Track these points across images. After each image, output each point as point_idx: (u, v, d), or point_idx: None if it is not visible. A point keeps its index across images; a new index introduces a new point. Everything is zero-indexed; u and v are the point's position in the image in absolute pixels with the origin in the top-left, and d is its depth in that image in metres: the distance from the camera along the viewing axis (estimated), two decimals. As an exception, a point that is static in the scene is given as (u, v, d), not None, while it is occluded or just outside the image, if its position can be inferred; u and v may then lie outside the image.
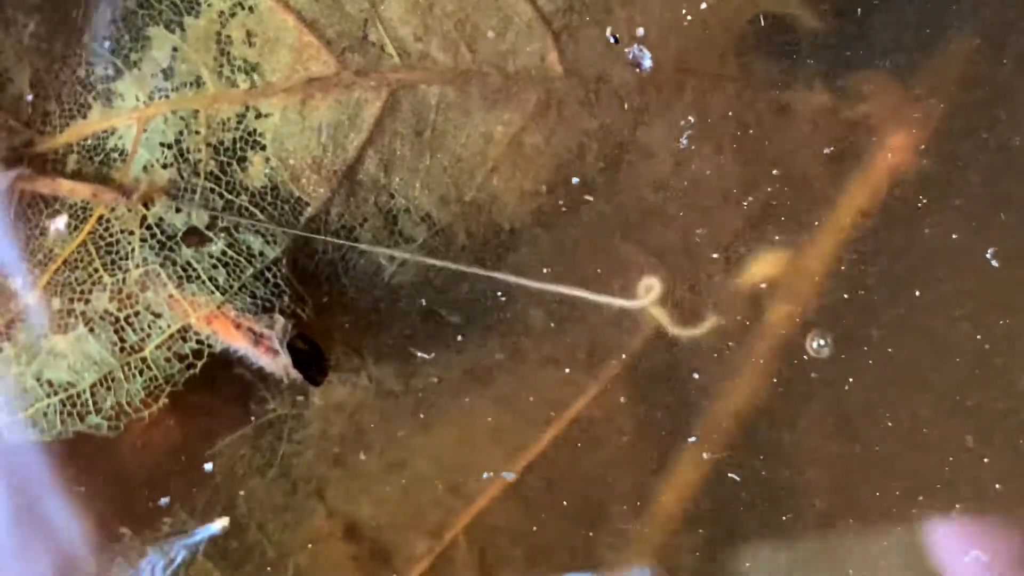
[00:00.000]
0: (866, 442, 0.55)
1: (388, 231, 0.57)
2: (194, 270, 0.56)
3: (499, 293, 0.57)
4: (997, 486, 0.54)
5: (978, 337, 0.54)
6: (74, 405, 0.57)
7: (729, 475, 0.56)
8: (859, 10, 0.56)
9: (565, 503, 0.57)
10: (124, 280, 0.57)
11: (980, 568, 0.53)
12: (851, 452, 0.55)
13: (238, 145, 0.57)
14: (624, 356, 0.57)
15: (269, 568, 0.59)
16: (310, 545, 0.58)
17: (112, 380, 0.57)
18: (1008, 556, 0.53)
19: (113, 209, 0.57)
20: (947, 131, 0.55)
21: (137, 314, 0.56)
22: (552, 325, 0.57)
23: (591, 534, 0.57)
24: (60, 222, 0.57)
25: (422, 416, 0.58)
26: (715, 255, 0.56)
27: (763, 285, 0.56)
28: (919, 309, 0.55)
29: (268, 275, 0.56)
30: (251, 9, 0.56)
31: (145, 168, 0.57)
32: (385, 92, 0.56)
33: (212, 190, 0.57)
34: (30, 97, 0.58)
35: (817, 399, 0.55)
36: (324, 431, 0.59)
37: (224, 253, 0.56)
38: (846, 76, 0.55)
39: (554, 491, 0.57)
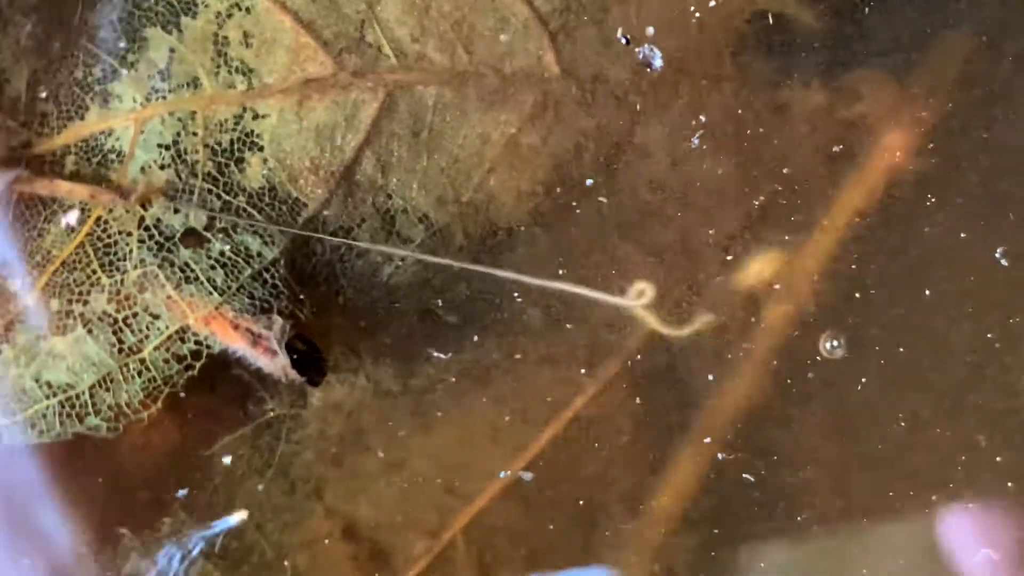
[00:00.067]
0: (868, 442, 0.55)
1: (386, 232, 0.57)
2: (192, 271, 0.56)
3: (497, 293, 0.57)
4: (1009, 484, 0.54)
5: (988, 335, 0.54)
6: (73, 407, 0.57)
7: (728, 475, 0.56)
8: (857, 10, 0.56)
9: (564, 503, 0.57)
10: (122, 281, 0.57)
11: (991, 567, 0.53)
12: (852, 451, 0.55)
13: (235, 146, 0.57)
14: (623, 356, 0.57)
15: (268, 568, 0.59)
16: (309, 545, 0.58)
17: (111, 381, 0.57)
18: (1020, 554, 0.53)
19: (111, 210, 0.57)
20: (945, 131, 0.55)
21: (135, 315, 0.56)
22: (550, 325, 0.57)
23: (590, 534, 0.57)
24: (71, 216, 0.57)
25: (420, 416, 0.58)
26: (713, 255, 0.56)
27: (761, 285, 0.56)
28: (920, 309, 0.55)
29: (266, 276, 0.56)
30: (248, 10, 0.56)
31: (143, 169, 0.57)
32: (382, 93, 0.56)
33: (210, 191, 0.57)
34: (27, 98, 0.58)
35: (817, 399, 0.55)
36: (322, 431, 0.59)
37: (222, 254, 0.56)
38: (844, 76, 0.55)
39: (553, 491, 0.57)
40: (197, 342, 0.56)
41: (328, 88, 0.56)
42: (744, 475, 0.56)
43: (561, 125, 0.56)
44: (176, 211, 0.56)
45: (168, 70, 0.57)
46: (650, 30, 0.55)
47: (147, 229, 0.56)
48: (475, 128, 0.56)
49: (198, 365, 0.57)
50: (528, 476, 0.57)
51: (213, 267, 0.56)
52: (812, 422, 0.55)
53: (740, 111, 0.55)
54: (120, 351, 0.57)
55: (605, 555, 0.57)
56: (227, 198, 0.57)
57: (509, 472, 0.57)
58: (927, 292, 0.55)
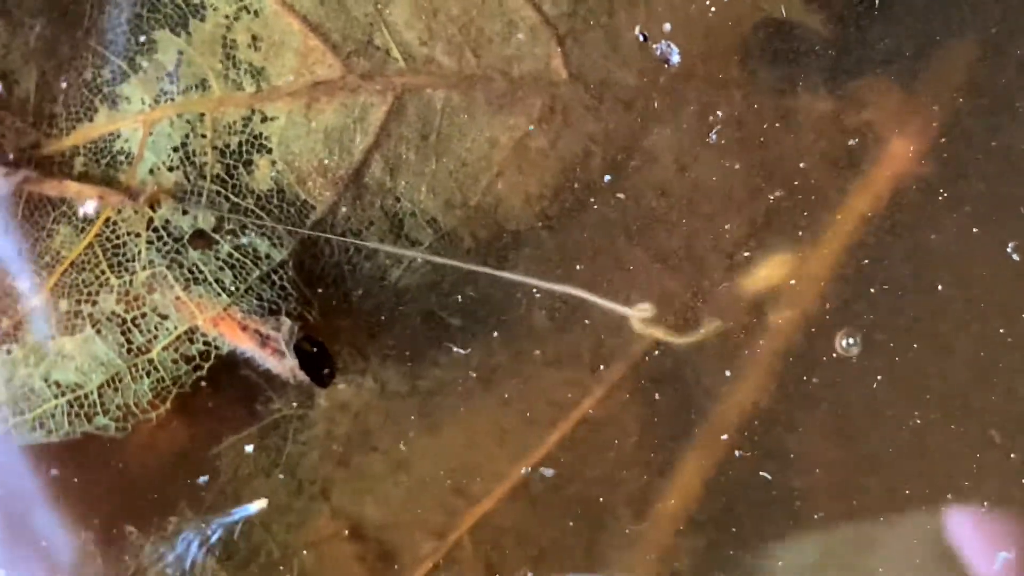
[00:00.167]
0: (876, 444, 0.55)
1: (394, 235, 0.57)
2: (201, 272, 0.56)
3: (504, 296, 0.58)
4: (1020, 484, 0.54)
5: (997, 337, 0.55)
6: (82, 406, 0.57)
7: (735, 477, 0.56)
8: (862, 17, 0.56)
9: (570, 504, 0.57)
10: (131, 282, 0.57)
11: (1009, 569, 0.53)
12: (860, 454, 0.55)
13: (244, 148, 0.57)
14: (629, 358, 0.57)
15: (274, 568, 0.59)
16: (315, 545, 0.59)
17: (119, 381, 0.57)
18: None
19: (120, 211, 0.57)
20: (950, 137, 0.55)
21: (144, 316, 0.57)
22: (557, 327, 0.57)
23: (596, 535, 0.57)
24: (89, 207, 0.57)
25: (427, 417, 0.58)
26: (720, 260, 0.56)
27: (768, 290, 0.56)
28: (928, 312, 0.55)
29: (275, 277, 0.57)
30: (256, 13, 0.57)
31: (151, 171, 0.57)
32: (391, 96, 0.57)
33: (218, 193, 0.57)
34: (36, 99, 0.58)
35: (824, 402, 0.56)
36: (329, 432, 0.59)
37: (231, 255, 0.56)
38: (849, 82, 0.55)
39: (559, 492, 0.57)
40: (206, 343, 0.57)
41: (337, 91, 0.56)
42: (751, 477, 0.56)
43: (569, 129, 0.56)
44: (185, 213, 0.57)
45: (177, 72, 0.57)
46: (667, 26, 0.55)
47: (156, 230, 0.57)
48: (483, 132, 0.57)
49: (206, 366, 0.57)
50: (549, 472, 0.57)
51: (222, 268, 0.56)
52: (819, 425, 0.56)
53: (747, 117, 0.56)
54: (129, 351, 0.57)
55: (612, 556, 0.57)
56: (236, 200, 0.57)
57: (530, 469, 0.57)
58: (935, 297, 0.55)
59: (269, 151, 0.57)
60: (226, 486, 0.59)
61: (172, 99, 0.57)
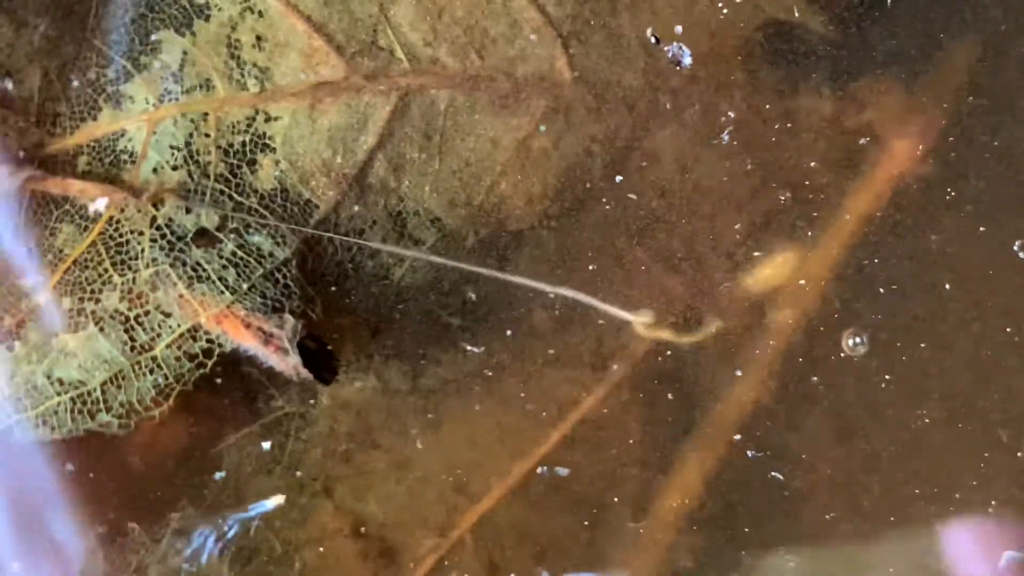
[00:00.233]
0: (877, 444, 0.55)
1: (397, 234, 0.58)
2: (204, 270, 0.56)
3: (506, 295, 0.58)
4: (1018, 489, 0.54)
5: (999, 338, 0.55)
6: (84, 403, 0.57)
7: (736, 476, 0.56)
8: (864, 18, 0.56)
9: (571, 502, 0.57)
10: (134, 280, 0.57)
11: (1016, 569, 0.53)
12: (860, 454, 0.55)
13: (248, 148, 0.57)
14: (630, 357, 0.57)
15: (276, 565, 0.59)
16: (318, 542, 0.59)
17: (122, 379, 0.57)
18: None
19: (123, 210, 0.57)
20: (951, 137, 0.55)
21: (147, 313, 0.57)
22: (559, 327, 0.57)
23: (597, 533, 0.57)
24: (100, 204, 0.57)
25: (429, 415, 0.58)
26: (721, 260, 0.56)
27: (769, 290, 0.56)
28: (929, 314, 0.55)
29: (278, 276, 0.57)
30: (260, 13, 0.57)
31: (155, 170, 0.57)
32: (394, 96, 0.57)
33: (222, 192, 0.57)
34: (40, 99, 0.58)
35: (824, 402, 0.56)
36: (332, 429, 0.59)
37: (234, 254, 0.56)
38: (851, 83, 0.56)
39: (560, 491, 0.57)
40: (209, 340, 0.57)
41: (340, 91, 0.57)
42: (752, 476, 0.56)
43: (572, 130, 0.57)
44: (188, 211, 0.57)
45: (181, 72, 0.57)
46: (678, 28, 0.55)
47: (159, 228, 0.57)
48: (487, 132, 0.57)
49: (209, 363, 0.57)
50: (564, 471, 0.57)
51: (225, 266, 0.56)
52: (820, 424, 0.56)
53: (749, 118, 0.56)
54: (132, 349, 0.57)
55: (612, 554, 0.57)
56: (239, 199, 0.57)
57: (546, 469, 0.57)
58: (937, 296, 0.55)
59: (273, 150, 0.57)
60: (228, 484, 0.59)
61: (176, 98, 0.57)
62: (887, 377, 0.55)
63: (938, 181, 0.55)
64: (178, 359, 0.57)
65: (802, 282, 0.56)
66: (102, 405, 0.57)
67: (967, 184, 0.55)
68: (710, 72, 0.56)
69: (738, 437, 0.56)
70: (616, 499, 0.57)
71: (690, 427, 0.57)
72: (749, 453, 0.56)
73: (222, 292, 0.56)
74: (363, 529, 0.59)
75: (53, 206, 0.58)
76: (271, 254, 0.57)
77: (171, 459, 0.60)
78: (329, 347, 0.58)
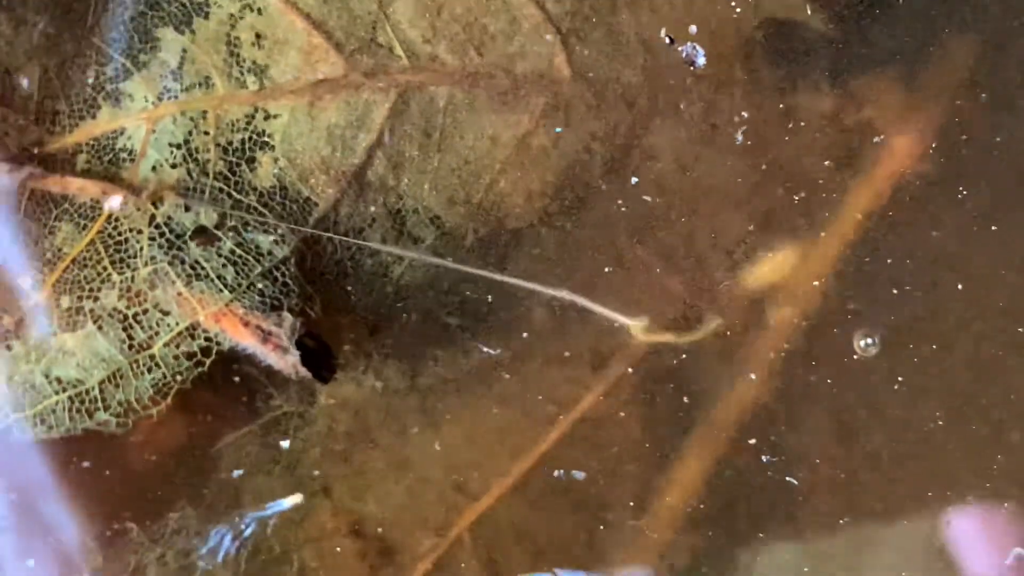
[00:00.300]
0: (876, 443, 0.55)
1: (396, 232, 0.57)
2: (203, 268, 0.56)
3: (505, 293, 0.58)
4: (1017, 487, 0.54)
5: (999, 337, 0.55)
6: (83, 402, 0.57)
7: (735, 475, 0.56)
8: (864, 15, 0.56)
9: (570, 501, 0.57)
10: (133, 278, 0.57)
11: (1016, 567, 0.53)
12: (860, 452, 0.55)
13: (247, 145, 0.57)
14: (630, 356, 0.57)
15: (275, 564, 0.59)
16: (316, 542, 0.59)
17: (121, 377, 0.57)
18: None
19: (122, 208, 0.57)
20: (952, 134, 0.55)
21: (146, 312, 0.57)
22: (558, 325, 0.57)
23: (596, 532, 0.57)
24: (115, 201, 0.57)
25: (428, 414, 0.58)
26: (721, 257, 0.56)
27: (769, 288, 0.56)
28: (928, 312, 0.55)
29: (276, 274, 0.57)
30: (260, 11, 0.57)
31: (154, 168, 0.57)
32: (393, 94, 0.57)
33: (221, 190, 0.57)
34: (39, 97, 0.58)
35: (824, 400, 0.56)
36: (330, 428, 0.59)
37: (233, 252, 0.56)
38: (851, 80, 0.56)
39: (559, 490, 0.57)
40: (207, 339, 0.56)
41: (340, 88, 0.57)
42: (752, 475, 0.56)
43: (572, 127, 0.57)
44: (187, 209, 0.57)
45: (180, 70, 0.57)
46: (692, 28, 0.55)
47: (158, 227, 0.57)
48: (486, 129, 0.57)
49: (208, 362, 0.57)
50: (580, 475, 0.57)
51: (224, 265, 0.56)
52: (820, 424, 0.56)
53: (749, 115, 0.56)
54: (130, 347, 0.57)
55: (611, 553, 0.57)
56: (238, 197, 0.57)
57: (566, 472, 0.57)
58: (937, 294, 0.55)
59: (272, 148, 0.57)
60: (226, 484, 0.59)
61: (175, 96, 0.57)
62: (888, 376, 0.55)
63: (938, 179, 0.55)
64: (176, 357, 0.57)
65: (802, 280, 0.56)
66: (100, 404, 0.57)
67: (967, 182, 0.55)
68: (710, 70, 0.56)
69: (738, 436, 0.56)
70: (616, 498, 0.57)
71: (690, 426, 0.57)
72: (749, 452, 0.56)
73: (221, 290, 0.56)
74: (362, 529, 0.58)
75: (52, 204, 0.58)
76: (270, 252, 0.57)
77: (170, 458, 0.59)
78: (328, 346, 0.58)
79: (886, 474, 0.55)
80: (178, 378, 0.57)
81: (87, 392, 0.57)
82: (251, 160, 0.57)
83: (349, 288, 0.58)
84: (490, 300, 0.58)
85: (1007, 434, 0.54)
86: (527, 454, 0.57)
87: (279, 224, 0.57)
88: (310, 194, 0.57)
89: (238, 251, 0.56)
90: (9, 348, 0.58)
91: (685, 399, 0.57)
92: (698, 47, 0.55)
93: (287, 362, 0.56)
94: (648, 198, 0.57)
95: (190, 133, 0.57)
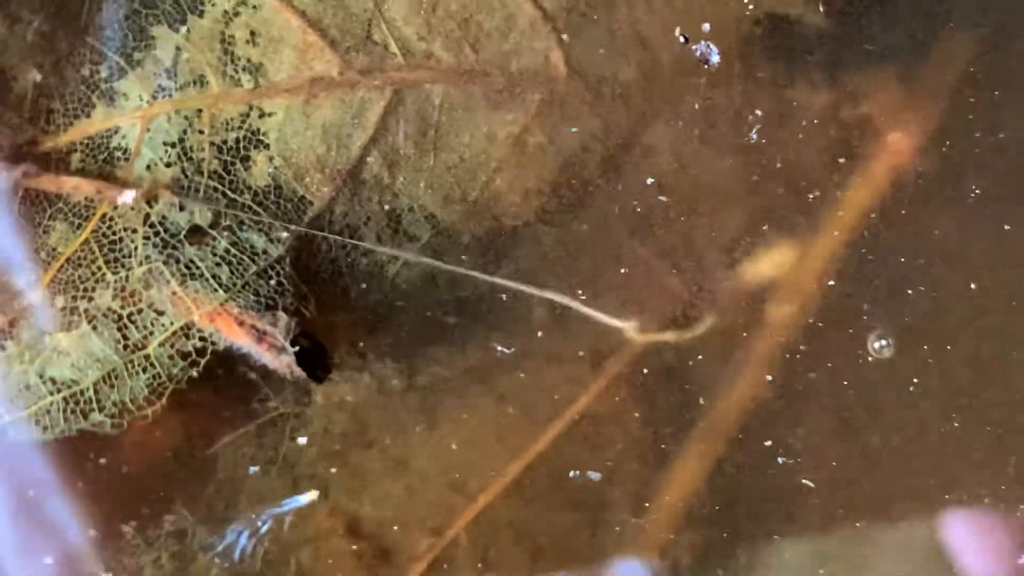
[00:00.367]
0: (875, 442, 0.55)
1: (392, 230, 0.57)
2: (197, 268, 0.56)
3: (502, 292, 0.58)
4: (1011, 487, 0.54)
5: (998, 335, 0.54)
6: (77, 403, 0.57)
7: (734, 473, 0.56)
8: (862, 10, 0.56)
9: (568, 500, 0.57)
10: (127, 278, 0.57)
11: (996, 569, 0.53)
12: (858, 452, 0.55)
13: (242, 144, 0.57)
14: (628, 354, 0.57)
15: (272, 565, 0.59)
16: (313, 542, 0.58)
17: (115, 378, 0.57)
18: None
19: (116, 207, 0.57)
20: (949, 130, 0.55)
21: (140, 312, 0.56)
22: (555, 323, 0.57)
23: (593, 532, 0.57)
24: (128, 196, 0.57)
25: (425, 414, 0.58)
26: (719, 255, 0.56)
27: (767, 285, 0.56)
28: (927, 306, 0.55)
29: (271, 273, 0.57)
30: (255, 8, 0.57)
31: (149, 166, 0.57)
32: (389, 91, 0.57)
33: (215, 189, 0.57)
34: (34, 95, 0.58)
35: (823, 399, 0.56)
36: (327, 429, 0.59)
37: (227, 251, 0.56)
38: (849, 76, 0.56)
39: (556, 489, 0.57)
40: (202, 339, 0.56)
41: (335, 86, 0.56)
42: (751, 473, 0.56)
43: (568, 124, 0.57)
44: (182, 208, 0.56)
45: (175, 68, 0.57)
46: (706, 26, 0.55)
47: (152, 226, 0.56)
48: (482, 127, 0.57)
49: (203, 362, 0.56)
50: (596, 476, 0.57)
51: (218, 264, 0.56)
52: (820, 421, 0.55)
53: (746, 111, 0.56)
54: (125, 347, 0.57)
55: (610, 553, 0.57)
56: (233, 196, 0.57)
57: (583, 473, 0.57)
58: (936, 291, 0.55)
59: (267, 147, 0.57)
60: (223, 485, 0.59)
61: (170, 95, 0.57)
62: (890, 375, 0.55)
63: (936, 175, 0.55)
64: (171, 357, 0.56)
65: (802, 278, 0.56)
66: (95, 404, 0.57)
67: (966, 177, 0.55)
68: (708, 67, 0.56)
69: (737, 433, 0.56)
70: (616, 497, 0.57)
71: (689, 424, 0.56)
72: (749, 449, 0.56)
73: (215, 290, 0.56)
74: (359, 529, 0.58)
75: (46, 203, 0.58)
76: (265, 251, 0.56)
77: (165, 459, 0.59)
78: (323, 345, 0.58)
79: (887, 473, 0.55)
80: (173, 378, 0.57)
81: (82, 393, 0.57)
82: (246, 159, 0.57)
83: (345, 287, 0.58)
84: (489, 299, 0.58)
85: (1010, 434, 0.54)
86: (525, 453, 0.57)
87: (274, 223, 0.57)
88: (305, 193, 0.57)
89: (233, 250, 0.56)
90: (3, 348, 0.57)
91: (685, 397, 0.57)
92: (712, 45, 0.55)
93: (282, 362, 0.56)
94: (645, 195, 0.56)
95: (185, 132, 0.57)
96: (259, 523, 0.58)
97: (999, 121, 0.55)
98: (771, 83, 0.56)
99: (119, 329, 0.57)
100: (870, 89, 0.55)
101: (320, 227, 0.57)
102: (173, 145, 0.57)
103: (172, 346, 0.56)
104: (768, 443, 0.56)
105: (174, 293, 0.56)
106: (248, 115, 0.57)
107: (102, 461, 0.59)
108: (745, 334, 0.56)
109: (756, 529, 0.56)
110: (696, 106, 0.56)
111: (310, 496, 0.58)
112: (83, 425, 0.57)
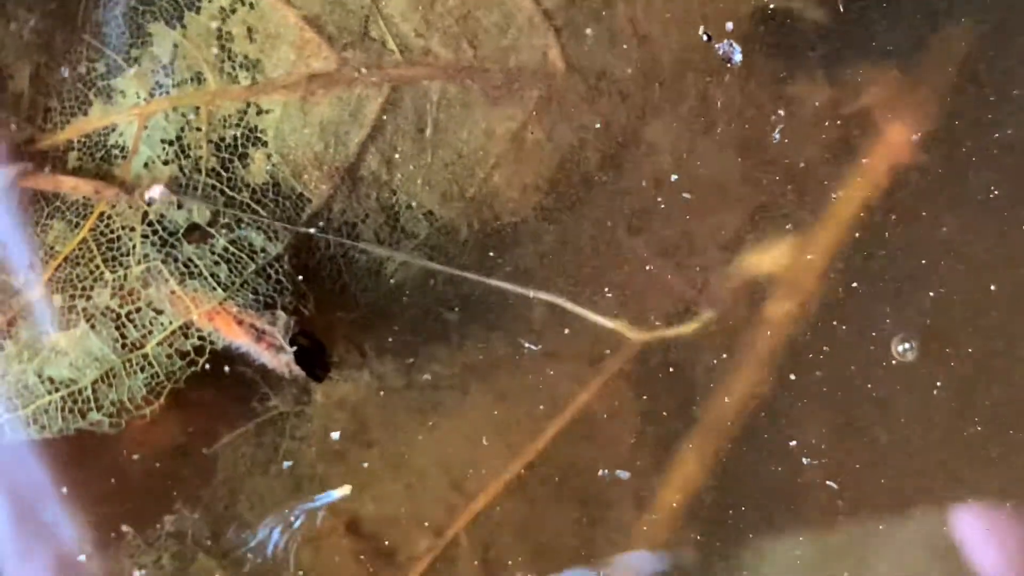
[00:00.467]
0: (876, 438, 0.55)
1: (390, 227, 0.57)
2: (196, 266, 0.56)
3: (501, 290, 0.57)
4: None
5: (1003, 322, 0.54)
6: (75, 402, 0.57)
7: (734, 470, 0.56)
8: (861, 3, 0.56)
9: (568, 499, 0.57)
10: (125, 277, 0.57)
11: (1004, 565, 0.53)
12: (860, 448, 0.55)
13: (239, 141, 0.57)
14: (627, 351, 0.57)
15: (271, 564, 0.59)
16: (313, 541, 0.58)
17: (114, 377, 0.57)
18: None
19: (114, 205, 0.57)
20: (949, 124, 0.55)
21: (139, 311, 0.56)
22: (554, 321, 0.57)
23: (593, 530, 0.57)
24: (155, 191, 0.57)
25: (425, 412, 0.58)
26: (718, 251, 0.56)
27: (765, 280, 0.56)
28: (927, 303, 0.55)
29: (270, 271, 0.56)
30: (252, 5, 0.56)
31: (146, 164, 0.57)
32: (386, 88, 0.56)
33: (214, 187, 0.57)
34: (31, 94, 0.58)
35: (824, 395, 0.55)
36: (326, 427, 0.59)
37: (226, 249, 0.56)
38: (848, 70, 0.55)
39: (556, 487, 0.57)
40: (201, 338, 0.56)
41: (332, 83, 0.56)
42: (751, 470, 0.56)
43: (566, 121, 0.56)
44: (180, 206, 0.56)
45: (172, 65, 0.57)
46: (729, 25, 0.55)
47: (151, 224, 0.56)
48: (480, 123, 0.56)
49: (201, 361, 0.57)
50: (625, 475, 0.57)
51: (217, 263, 0.56)
52: (821, 418, 0.55)
53: (745, 105, 0.55)
54: (123, 346, 0.57)
55: (610, 551, 0.57)
56: (231, 194, 0.57)
57: (611, 472, 0.57)
58: (935, 287, 0.55)
59: (264, 144, 0.57)
60: (221, 485, 0.59)
61: (167, 92, 0.57)
62: (892, 371, 0.55)
63: (936, 169, 0.55)
64: (169, 357, 0.57)
65: (802, 274, 0.56)
66: (93, 404, 0.57)
67: (966, 172, 0.55)
68: (706, 60, 0.56)
69: (736, 431, 0.56)
70: (613, 495, 0.57)
71: (689, 421, 0.56)
72: (749, 446, 0.56)
73: (214, 288, 0.56)
74: (359, 528, 0.58)
75: (44, 202, 0.58)
76: (263, 250, 0.56)
77: (164, 459, 0.59)
78: (322, 344, 0.58)
79: (890, 470, 0.55)
80: (171, 377, 0.57)
81: (80, 392, 0.57)
82: (244, 156, 0.57)
83: (343, 285, 0.58)
84: (486, 296, 0.58)
85: (1013, 431, 0.54)
86: (526, 452, 0.57)
87: (272, 221, 0.56)
88: (303, 190, 0.57)
89: (231, 248, 0.56)
90: (1, 348, 0.58)
91: (684, 394, 0.56)
92: (735, 44, 0.55)
93: (281, 361, 0.56)
94: (644, 191, 0.56)
95: (182, 129, 0.57)
96: (292, 518, 0.58)
97: (998, 114, 0.55)
98: (771, 77, 0.56)
99: (117, 328, 0.57)
100: (871, 85, 0.55)
101: (318, 225, 0.57)
102: (171, 143, 0.57)
103: (171, 345, 0.56)
104: (768, 440, 0.56)
105: (172, 292, 0.56)
106: (246, 112, 0.57)
107: (100, 460, 0.59)
108: (744, 330, 0.56)
109: (757, 526, 0.56)
110: (694, 101, 0.56)
111: (342, 491, 0.58)
112: (81, 424, 0.57)
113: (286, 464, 0.58)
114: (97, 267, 0.57)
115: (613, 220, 0.57)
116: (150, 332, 0.56)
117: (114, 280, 0.57)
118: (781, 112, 0.55)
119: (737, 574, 0.56)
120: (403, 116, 0.57)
